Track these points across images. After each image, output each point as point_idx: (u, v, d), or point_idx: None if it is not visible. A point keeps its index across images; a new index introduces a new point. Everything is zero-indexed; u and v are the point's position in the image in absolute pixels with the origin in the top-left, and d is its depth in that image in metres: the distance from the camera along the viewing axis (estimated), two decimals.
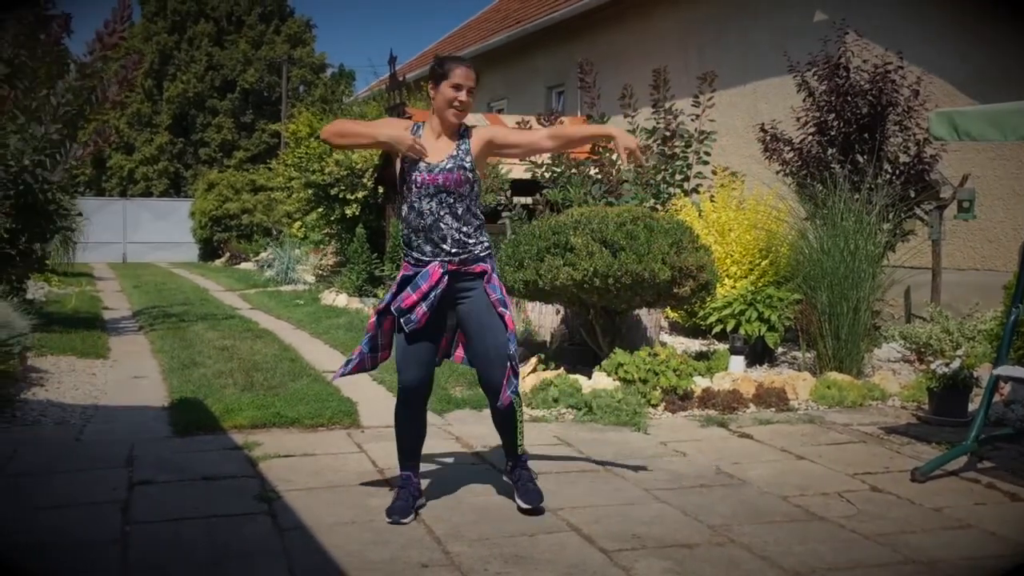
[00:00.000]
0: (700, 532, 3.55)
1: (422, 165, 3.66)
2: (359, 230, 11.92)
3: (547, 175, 8.91)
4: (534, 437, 5.01)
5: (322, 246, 15.57)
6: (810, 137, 7.65)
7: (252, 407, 5.37)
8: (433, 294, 3.60)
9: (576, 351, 6.85)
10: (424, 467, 4.36)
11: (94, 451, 4.60)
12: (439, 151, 3.69)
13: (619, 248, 5.90)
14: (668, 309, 8.00)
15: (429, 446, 4.74)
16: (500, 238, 8.90)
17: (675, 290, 6.08)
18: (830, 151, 7.46)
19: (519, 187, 9.63)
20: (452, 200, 3.64)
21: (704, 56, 11.01)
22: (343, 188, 12.57)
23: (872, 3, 8.98)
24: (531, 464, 4.38)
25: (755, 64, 10.38)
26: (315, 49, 34.10)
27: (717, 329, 7.35)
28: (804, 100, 7.68)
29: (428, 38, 73.98)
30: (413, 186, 3.67)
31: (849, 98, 7.34)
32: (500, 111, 15.16)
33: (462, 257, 3.66)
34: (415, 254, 3.69)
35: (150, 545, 3.33)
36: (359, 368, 3.92)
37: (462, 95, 3.65)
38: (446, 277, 3.63)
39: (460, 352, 3.88)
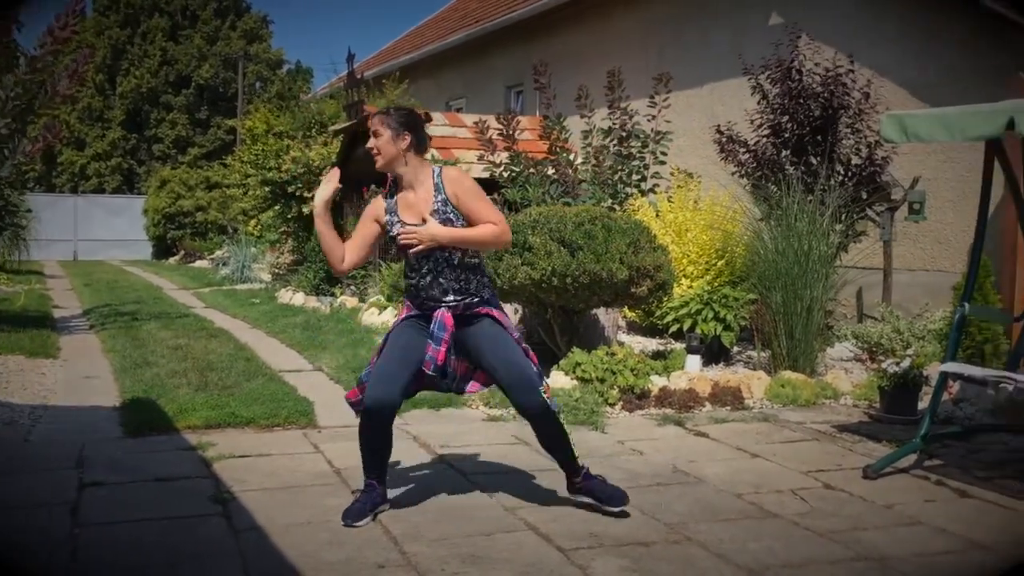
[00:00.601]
0: (657, 530, 3.57)
1: (398, 227, 3.62)
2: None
3: (505, 175, 8.91)
4: (492, 436, 5.01)
5: (279, 244, 15.41)
6: (764, 139, 7.74)
7: (206, 407, 5.30)
8: (444, 335, 3.58)
9: (534, 350, 6.84)
10: None
11: (43, 452, 4.50)
12: (417, 208, 3.62)
13: (577, 248, 5.92)
14: (626, 308, 8.05)
15: None
16: None
17: (632, 290, 6.12)
18: (784, 153, 7.56)
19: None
20: (447, 254, 3.61)
21: (663, 57, 11.09)
22: (300, 186, 12.45)
23: (827, 7, 9.11)
24: (489, 462, 4.38)
25: (712, 66, 10.47)
26: (272, 45, 33.78)
27: (674, 328, 7.40)
28: (759, 103, 7.78)
29: (387, 36, 73.66)
30: (406, 249, 3.61)
31: (802, 101, 7.44)
32: (459, 110, 15.13)
33: (465, 302, 3.64)
34: (421, 295, 3.66)
35: (101, 548, 3.27)
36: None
37: (372, 142, 3.67)
38: (454, 319, 3.62)
39: (475, 385, 3.81)
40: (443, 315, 3.60)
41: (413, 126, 3.67)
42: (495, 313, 3.69)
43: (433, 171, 3.65)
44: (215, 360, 7.04)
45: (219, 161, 25.91)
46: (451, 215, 3.59)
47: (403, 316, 3.75)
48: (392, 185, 3.75)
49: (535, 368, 3.63)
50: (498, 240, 3.65)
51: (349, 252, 3.73)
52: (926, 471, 4.48)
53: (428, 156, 3.81)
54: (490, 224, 3.58)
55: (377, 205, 3.76)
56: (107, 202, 27.88)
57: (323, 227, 3.69)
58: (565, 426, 3.79)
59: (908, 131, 4.45)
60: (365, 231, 3.75)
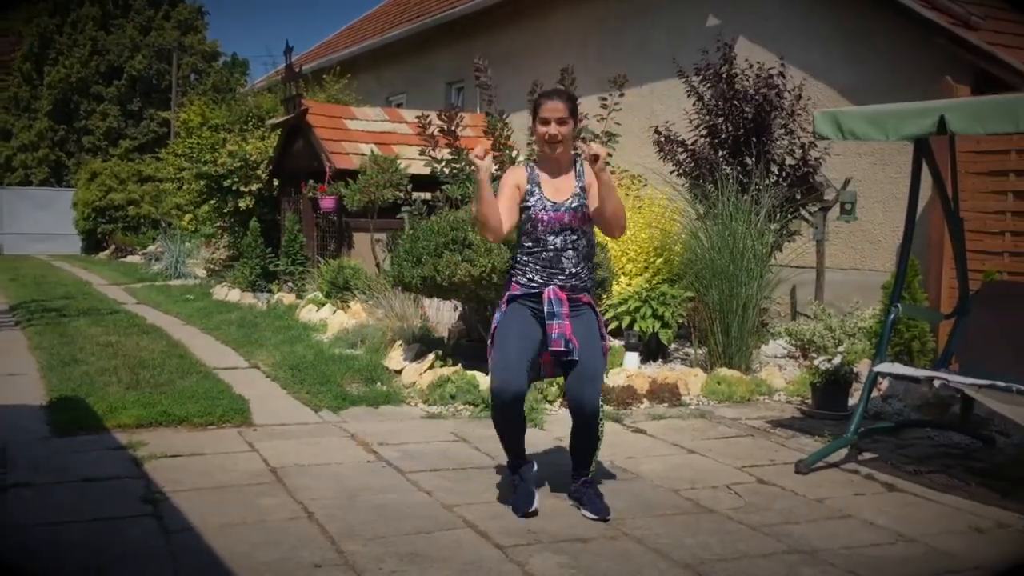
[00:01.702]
0: (594, 526, 3.59)
1: (548, 203, 3.71)
2: (253, 223, 11.63)
3: (447, 171, 8.87)
4: (431, 433, 4.99)
5: (214, 239, 15.13)
6: (702, 139, 7.84)
7: (137, 405, 5.18)
8: (563, 310, 3.65)
9: (474, 347, 6.84)
10: (318, 464, 4.30)
11: None
12: (562, 189, 3.74)
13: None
14: None
15: (324, 444, 4.69)
16: (399, 233, 8.83)
17: None
18: (720, 153, 7.66)
19: (419, 182, 9.57)
20: (579, 236, 3.72)
21: (603, 56, 11.16)
22: (236, 180, 12.24)
23: (761, 10, 9.26)
24: (428, 460, 4.37)
25: (651, 66, 10.57)
26: (207, 37, 33.12)
27: (613, 326, 7.45)
28: (694, 105, 7.87)
29: (326, 29, 72.86)
30: (539, 224, 3.70)
31: (735, 103, 7.55)
32: (399, 105, 15.03)
33: (572, 284, 3.72)
34: (525, 279, 3.73)
35: (26, 551, 3.17)
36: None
37: (551, 128, 3.68)
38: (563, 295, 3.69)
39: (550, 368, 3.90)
40: (555, 291, 3.67)
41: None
42: (595, 305, 3.81)
43: (574, 159, 3.80)
44: (147, 357, 6.88)
45: (152, 154, 25.33)
46: (585, 203, 3.72)
47: (506, 299, 3.79)
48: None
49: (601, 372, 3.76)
50: (623, 220, 3.78)
51: (505, 218, 3.72)
52: (856, 465, 4.59)
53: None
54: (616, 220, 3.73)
55: (517, 173, 3.82)
56: (34, 194, 27.04)
57: (487, 194, 3.67)
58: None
59: (843, 128, 4.52)
60: (511, 194, 3.76)
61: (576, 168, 3.80)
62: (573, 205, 3.73)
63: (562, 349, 3.60)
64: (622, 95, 8.97)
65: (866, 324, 7.03)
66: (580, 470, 3.84)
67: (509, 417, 3.72)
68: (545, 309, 3.66)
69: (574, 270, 3.73)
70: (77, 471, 4.07)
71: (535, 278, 3.73)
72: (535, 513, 3.67)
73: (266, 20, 77.41)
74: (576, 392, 3.68)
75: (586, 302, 3.79)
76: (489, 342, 3.82)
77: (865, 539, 3.56)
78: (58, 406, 5.26)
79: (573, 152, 3.84)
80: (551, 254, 3.71)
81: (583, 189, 3.75)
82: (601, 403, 3.75)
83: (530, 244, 3.75)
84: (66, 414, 5.03)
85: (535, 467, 3.91)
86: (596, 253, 3.93)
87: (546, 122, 3.68)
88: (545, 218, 3.71)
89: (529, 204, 3.74)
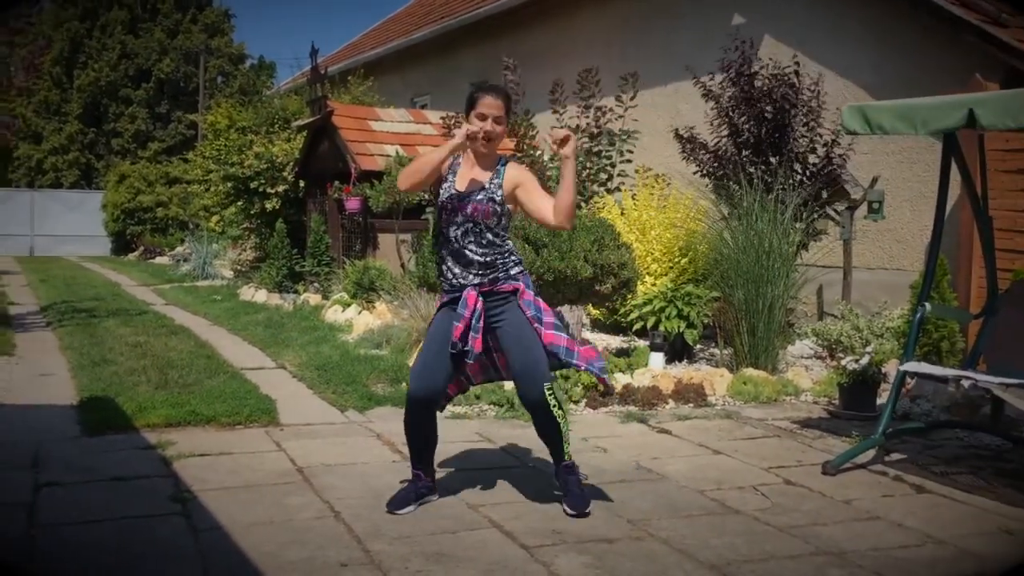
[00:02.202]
0: (620, 527, 3.59)
1: (454, 192, 3.68)
2: (279, 225, 11.72)
3: None
4: (456, 433, 5.00)
5: (241, 241, 15.25)
6: (724, 140, 7.81)
7: (166, 405, 5.23)
8: (475, 320, 3.61)
9: None
10: (345, 464, 4.33)
11: None
12: (472, 181, 3.69)
13: (542, 245, 5.93)
14: (590, 306, 8.07)
15: (350, 444, 4.72)
16: (423, 234, 8.86)
17: (597, 287, 6.14)
18: (744, 153, 7.62)
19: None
20: (481, 229, 3.65)
21: (627, 56, 11.13)
22: (263, 181, 12.33)
23: (787, 9, 9.20)
24: (453, 460, 4.38)
25: (676, 65, 10.51)
26: (233, 39, 33.38)
27: (638, 326, 7.44)
28: (712, 107, 7.84)
29: (352, 31, 73.15)
30: (443, 212, 3.69)
31: (755, 103, 7.51)
32: (424, 106, 15.07)
33: (491, 277, 3.66)
34: (448, 275, 3.71)
35: (57, 549, 3.22)
36: (457, 390, 4.00)
37: (487, 125, 3.65)
38: (481, 299, 3.64)
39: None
40: (467, 294, 3.63)
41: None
42: (522, 289, 3.71)
43: (499, 158, 3.75)
44: (175, 358, 6.95)
45: (180, 156, 25.55)
46: (496, 198, 3.64)
47: (438, 305, 3.81)
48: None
49: (545, 367, 3.66)
50: (572, 212, 3.70)
51: (428, 178, 3.73)
52: (884, 466, 4.55)
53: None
54: (549, 205, 3.67)
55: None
56: (65, 197, 27.37)
57: (440, 155, 3.65)
58: (520, 421, 3.83)
59: (872, 122, 4.48)
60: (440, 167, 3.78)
61: (497, 167, 3.71)
62: (478, 198, 3.63)
63: (452, 352, 3.60)
64: (636, 91, 8.95)
65: (894, 324, 6.97)
66: (555, 459, 3.84)
67: (419, 422, 3.73)
68: (461, 309, 3.61)
69: (484, 259, 3.65)
70: (107, 470, 4.12)
71: (455, 271, 3.68)
72: (402, 513, 3.64)
73: (292, 23, 77.94)
74: (520, 392, 3.73)
75: (510, 291, 3.68)
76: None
77: (893, 541, 3.53)
78: (88, 406, 5.33)
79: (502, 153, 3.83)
80: (456, 246, 3.67)
81: (499, 187, 3.65)
82: (550, 390, 3.64)
83: (441, 237, 3.74)
84: (96, 414, 5.09)
85: (432, 482, 3.84)
86: (508, 241, 3.77)
87: (483, 117, 3.65)
88: (448, 207, 3.67)
89: (440, 191, 3.72)
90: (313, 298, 10.27)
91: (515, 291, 3.69)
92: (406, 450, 4.60)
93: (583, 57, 10.57)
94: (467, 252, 3.65)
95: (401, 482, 3.89)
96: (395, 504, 3.67)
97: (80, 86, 30.17)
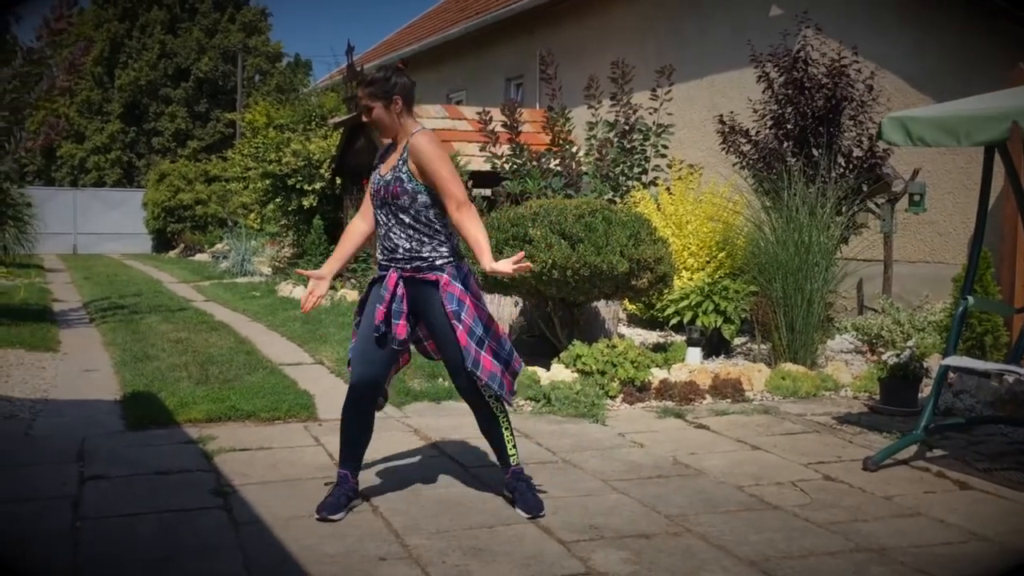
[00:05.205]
0: (657, 522, 3.58)
1: (375, 176, 3.70)
2: (316, 221, 11.82)
3: (507, 167, 8.90)
4: None
5: (279, 237, 15.40)
6: (767, 130, 7.72)
7: (207, 400, 5.31)
8: (396, 304, 3.56)
9: (535, 343, 6.86)
10: (382, 459, 4.36)
11: (44, 445, 4.51)
12: (388, 163, 3.69)
13: (577, 240, 5.92)
14: (626, 301, 8.05)
15: (387, 439, 4.75)
16: None
17: (633, 282, 6.11)
18: (786, 144, 7.54)
19: (479, 179, 9.61)
20: (396, 211, 3.60)
21: (662, 49, 11.07)
22: (301, 179, 12.44)
23: None
24: (489, 454, 4.38)
25: (712, 58, 10.45)
26: (271, 38, 33.72)
27: (674, 321, 7.41)
28: (764, 92, 7.74)
29: (387, 28, 73.43)
30: (373, 198, 3.71)
31: (807, 92, 7.41)
32: (459, 102, 15.10)
33: (415, 265, 3.60)
34: (378, 257, 3.72)
35: (101, 541, 3.28)
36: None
37: (366, 117, 3.68)
38: (402, 283, 3.59)
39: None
40: (388, 276, 3.60)
41: (402, 89, 3.63)
42: (444, 282, 3.58)
43: (411, 133, 3.63)
44: (216, 353, 7.04)
45: (218, 154, 25.85)
46: (402, 176, 3.56)
47: (370, 282, 3.78)
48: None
49: (470, 362, 3.57)
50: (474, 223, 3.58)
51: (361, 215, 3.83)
52: (926, 462, 4.49)
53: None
54: (453, 204, 3.53)
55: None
56: (107, 195, 27.82)
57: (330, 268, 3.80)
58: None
59: (913, 135, 4.43)
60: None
61: (406, 142, 3.61)
62: (388, 178, 3.60)
63: (375, 335, 3.55)
64: (671, 84, 8.88)
65: (936, 318, 6.87)
66: (501, 462, 3.79)
67: (362, 408, 3.64)
68: (383, 291, 3.58)
69: (408, 245, 3.58)
70: (150, 464, 4.19)
71: (381, 255, 3.67)
72: (335, 520, 3.50)
73: (329, 21, 78.43)
74: (455, 384, 3.74)
75: (434, 280, 3.57)
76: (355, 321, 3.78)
77: (936, 537, 3.48)
78: (131, 401, 5.42)
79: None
80: (382, 231, 3.66)
81: (405, 164, 3.56)
82: (488, 380, 3.57)
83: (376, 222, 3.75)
84: (139, 409, 5.17)
85: (357, 488, 3.71)
86: (446, 229, 3.64)
87: (364, 108, 3.68)
88: (373, 191, 3.69)
89: (374, 186, 3.73)
90: (350, 294, 10.34)
91: (436, 282, 3.59)
92: (443, 446, 4.65)
93: (618, 52, 10.52)
94: (392, 236, 3.62)
95: (326, 484, 3.83)
96: (328, 509, 3.52)
97: (121, 85, 30.67)
